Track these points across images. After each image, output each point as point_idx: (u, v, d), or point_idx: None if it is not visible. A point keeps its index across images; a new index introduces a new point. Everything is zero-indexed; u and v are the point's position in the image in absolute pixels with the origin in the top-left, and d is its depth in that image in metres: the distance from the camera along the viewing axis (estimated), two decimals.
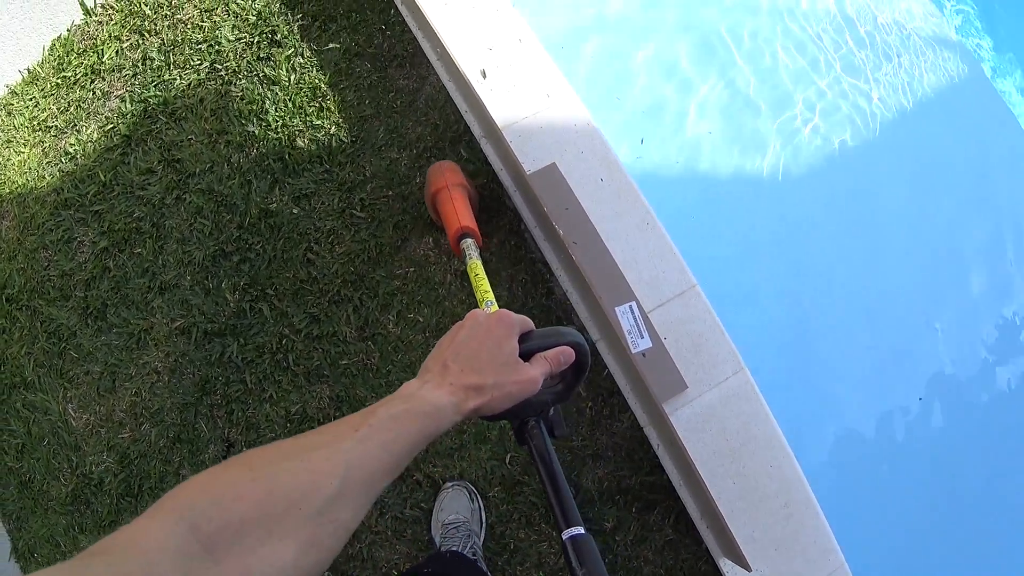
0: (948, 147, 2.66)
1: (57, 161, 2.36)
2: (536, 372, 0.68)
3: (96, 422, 2.12)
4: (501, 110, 1.81)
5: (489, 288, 1.15)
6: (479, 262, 1.23)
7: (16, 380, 2.23)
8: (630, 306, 1.68)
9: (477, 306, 1.10)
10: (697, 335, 1.68)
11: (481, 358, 0.67)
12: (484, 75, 1.86)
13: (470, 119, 1.95)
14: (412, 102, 2.07)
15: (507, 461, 1.81)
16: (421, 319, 1.91)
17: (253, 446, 1.93)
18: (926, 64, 2.70)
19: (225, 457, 1.99)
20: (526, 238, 1.90)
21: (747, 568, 1.54)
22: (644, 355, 1.66)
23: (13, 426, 2.21)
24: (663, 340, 1.67)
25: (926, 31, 2.77)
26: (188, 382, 2.04)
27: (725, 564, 1.69)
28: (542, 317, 1.86)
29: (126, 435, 2.09)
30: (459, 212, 1.41)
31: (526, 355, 0.70)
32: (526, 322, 0.73)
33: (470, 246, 1.31)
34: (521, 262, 1.90)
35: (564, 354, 0.71)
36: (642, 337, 1.67)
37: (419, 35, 2.06)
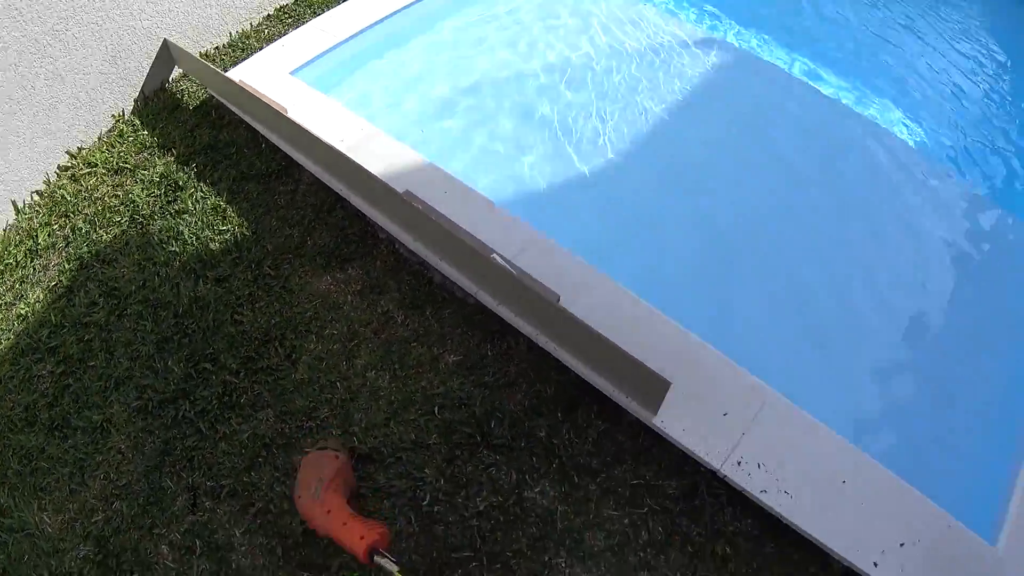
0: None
1: (10, 327, 2.81)
2: None
3: (71, 517, 2.38)
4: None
5: None
6: (395, 569, 1.28)
7: None
8: (494, 255, 2.30)
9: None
10: (555, 265, 2.31)
11: None
12: None
13: (341, 188, 2.65)
14: (293, 197, 2.77)
15: (436, 412, 2.26)
16: (335, 332, 2.43)
17: (215, 486, 2.28)
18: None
19: (193, 506, 2.31)
20: (400, 253, 2.53)
21: (668, 384, 1.90)
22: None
23: None
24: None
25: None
26: (150, 449, 2.40)
27: (659, 421, 2.02)
28: (429, 302, 2.44)
29: (99, 518, 2.36)
30: (357, 530, 1.41)
31: None
32: None
33: (386, 563, 1.34)
34: (401, 271, 2.51)
35: None
36: (511, 270, 2.27)
37: (291, 150, 2.81)
